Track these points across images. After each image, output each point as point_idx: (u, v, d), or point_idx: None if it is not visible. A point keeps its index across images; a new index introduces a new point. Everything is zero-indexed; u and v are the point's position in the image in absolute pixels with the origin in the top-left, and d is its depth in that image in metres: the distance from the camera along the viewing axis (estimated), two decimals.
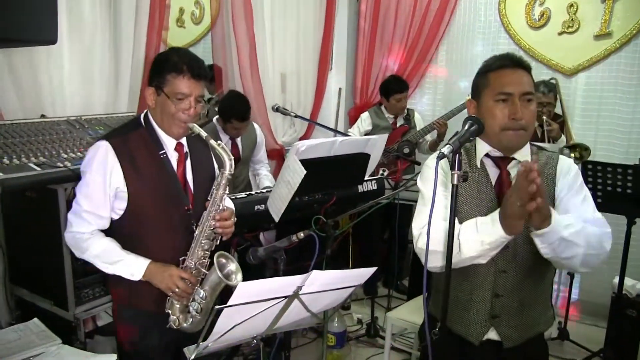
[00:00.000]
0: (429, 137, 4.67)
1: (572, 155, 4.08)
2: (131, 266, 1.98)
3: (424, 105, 5.29)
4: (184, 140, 2.13)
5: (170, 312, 2.03)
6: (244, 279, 3.84)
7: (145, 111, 2.11)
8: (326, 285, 1.69)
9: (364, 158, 3.13)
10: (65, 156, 2.45)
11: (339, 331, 3.53)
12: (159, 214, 2.03)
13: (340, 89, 5.34)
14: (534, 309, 1.89)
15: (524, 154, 1.84)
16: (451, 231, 1.53)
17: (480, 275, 1.84)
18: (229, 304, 1.49)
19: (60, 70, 3.02)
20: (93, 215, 1.99)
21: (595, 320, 4.22)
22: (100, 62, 3.21)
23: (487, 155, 1.85)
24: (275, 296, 1.59)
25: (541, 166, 1.83)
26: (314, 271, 1.58)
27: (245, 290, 1.50)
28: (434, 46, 5.11)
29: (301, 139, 4.98)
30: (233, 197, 2.93)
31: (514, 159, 1.83)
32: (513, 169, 1.83)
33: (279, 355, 2.25)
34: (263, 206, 3.00)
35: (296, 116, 3.57)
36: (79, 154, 2.49)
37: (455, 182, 1.50)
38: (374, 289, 4.47)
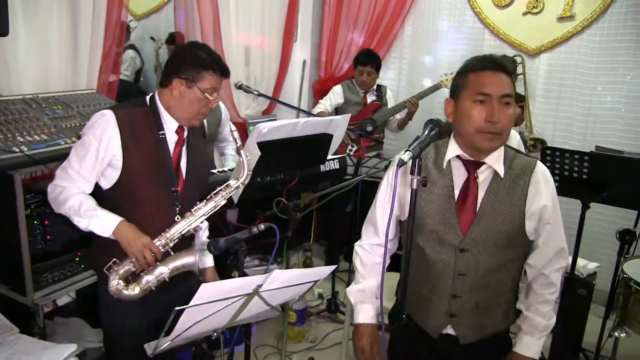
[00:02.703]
0: (399, 116, 4.66)
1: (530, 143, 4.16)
2: (104, 221, 2.04)
3: (389, 80, 5.28)
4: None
5: (111, 274, 2.07)
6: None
7: (151, 94, 2.21)
8: (287, 282, 1.71)
9: (326, 138, 3.13)
10: (22, 140, 2.37)
11: (300, 308, 3.59)
12: (147, 189, 2.12)
13: (304, 61, 5.29)
14: (494, 311, 1.92)
15: (496, 159, 1.81)
16: (410, 234, 1.55)
17: (439, 277, 1.87)
18: (190, 304, 1.51)
19: (14, 44, 2.86)
20: (79, 175, 2.05)
21: None
22: (57, 34, 3.06)
23: (458, 157, 1.83)
24: (235, 295, 1.60)
25: (516, 174, 1.81)
26: (275, 270, 1.60)
27: (207, 290, 1.52)
28: (399, 21, 5.09)
29: (264, 112, 4.97)
30: None
31: (484, 163, 1.81)
32: (482, 174, 1.82)
33: (240, 341, 2.27)
34: None
35: (260, 95, 3.53)
36: (36, 137, 2.42)
37: (414, 187, 1.52)
38: (335, 264, 4.53)
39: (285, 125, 2.87)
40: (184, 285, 2.17)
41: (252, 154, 2.71)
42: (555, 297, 1.91)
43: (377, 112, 4.61)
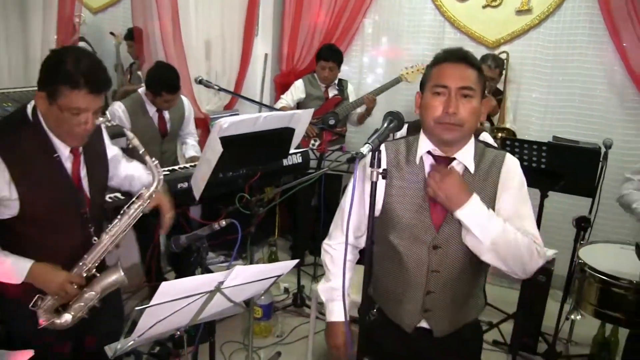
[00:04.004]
0: (359, 110, 4.68)
1: (500, 134, 4.23)
2: (14, 269, 1.88)
3: (350, 74, 5.29)
4: None
5: (38, 310, 1.96)
6: (174, 260, 3.86)
7: (32, 105, 1.92)
8: (249, 278, 1.71)
9: (288, 132, 3.13)
10: None
11: (266, 303, 3.59)
12: (53, 218, 1.95)
13: (266, 54, 5.27)
14: (466, 302, 1.92)
15: (466, 154, 1.78)
16: (371, 226, 1.56)
17: (413, 274, 1.84)
18: (150, 303, 1.49)
19: None
20: None
21: (511, 284, 4.43)
22: (4, 29, 2.97)
23: (429, 152, 1.80)
24: (197, 292, 1.60)
25: (486, 168, 1.80)
26: (237, 267, 1.60)
27: (167, 289, 1.50)
28: (360, 15, 5.10)
29: (226, 107, 4.94)
30: None
31: (455, 159, 1.78)
32: (453, 169, 1.78)
33: (205, 339, 2.26)
34: (186, 184, 2.97)
35: (220, 89, 3.51)
36: None
37: (374, 180, 1.52)
38: (301, 258, 4.54)
39: (246, 119, 2.86)
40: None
41: (214, 150, 2.69)
42: (526, 242, 1.70)
43: (338, 106, 4.62)
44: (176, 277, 3.31)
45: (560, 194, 3.52)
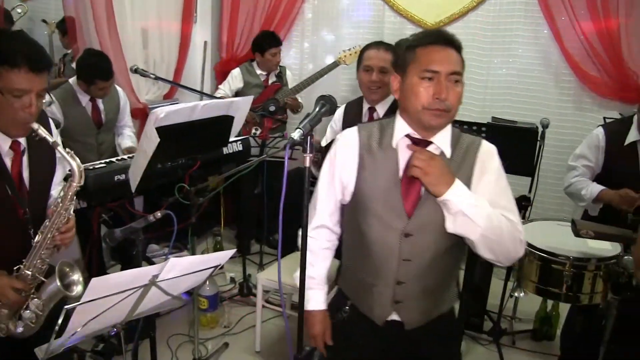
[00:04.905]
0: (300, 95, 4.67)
1: None
2: None
3: (291, 59, 5.27)
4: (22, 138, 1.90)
5: None
6: (116, 254, 3.75)
7: None
8: (185, 270, 1.67)
9: (227, 120, 3.07)
10: None
11: (211, 294, 3.53)
12: None
13: (205, 42, 5.17)
14: (438, 294, 1.88)
15: (443, 138, 1.75)
16: (305, 214, 1.53)
17: (383, 263, 1.80)
18: (81, 301, 1.43)
19: None
20: None
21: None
22: None
23: (406, 135, 1.76)
24: (130, 287, 1.54)
25: (462, 154, 1.76)
26: (171, 259, 1.55)
27: (98, 285, 1.44)
28: (299, 0, 5.06)
29: (166, 96, 4.83)
30: (92, 167, 2.79)
31: (432, 143, 1.74)
32: None
33: (145, 335, 2.20)
34: (124, 176, 2.88)
35: (156, 78, 3.42)
36: None
37: (307, 165, 1.48)
38: (246, 247, 4.50)
39: (183, 108, 2.78)
40: None
41: (151, 140, 2.62)
42: (509, 228, 1.69)
43: (278, 92, 4.60)
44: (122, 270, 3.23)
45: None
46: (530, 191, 3.63)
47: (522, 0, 4.37)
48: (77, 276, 1.87)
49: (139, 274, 1.55)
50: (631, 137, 2.86)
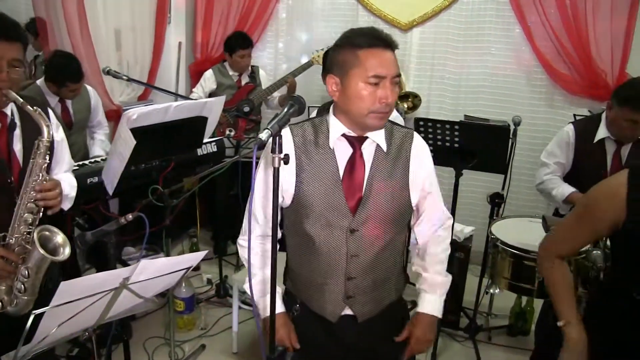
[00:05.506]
0: (277, 94, 4.66)
1: (405, 105, 4.30)
2: None
3: (266, 59, 5.27)
4: (8, 109, 1.91)
5: None
6: (92, 257, 3.71)
7: None
8: (157, 272, 1.66)
9: (201, 121, 3.07)
10: None
11: (187, 296, 3.51)
12: None
13: (180, 43, 5.14)
14: (388, 284, 1.92)
15: (378, 133, 1.79)
16: (275, 213, 1.52)
17: (332, 261, 1.82)
18: (50, 306, 1.42)
19: None
20: None
21: None
22: None
23: (343, 134, 1.78)
24: (101, 290, 1.53)
25: (397, 146, 1.82)
26: (142, 261, 1.54)
27: (68, 288, 1.42)
28: (273, 0, 5.05)
29: (140, 98, 4.78)
30: None
31: (367, 138, 1.78)
32: (366, 149, 1.79)
33: (119, 339, 2.19)
34: (97, 178, 2.86)
35: (129, 79, 3.40)
36: None
37: (276, 165, 1.47)
38: (223, 248, 4.48)
39: (156, 110, 2.78)
40: None
41: (126, 142, 2.60)
42: (447, 254, 2.01)
43: (252, 93, 4.60)
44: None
45: (475, 172, 3.61)
46: (503, 188, 3.68)
47: (494, 0, 4.42)
48: (60, 238, 1.86)
49: (110, 277, 1.54)
50: (600, 134, 2.91)
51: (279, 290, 1.92)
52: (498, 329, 3.75)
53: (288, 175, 1.79)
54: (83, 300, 1.50)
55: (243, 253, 1.94)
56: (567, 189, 2.98)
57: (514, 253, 2.77)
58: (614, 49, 4.03)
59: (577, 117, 3.72)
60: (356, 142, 1.78)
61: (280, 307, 1.90)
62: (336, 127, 1.78)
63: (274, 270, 1.59)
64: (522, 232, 2.93)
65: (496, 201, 3.52)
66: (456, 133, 3.29)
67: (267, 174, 1.85)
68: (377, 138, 1.79)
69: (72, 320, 1.55)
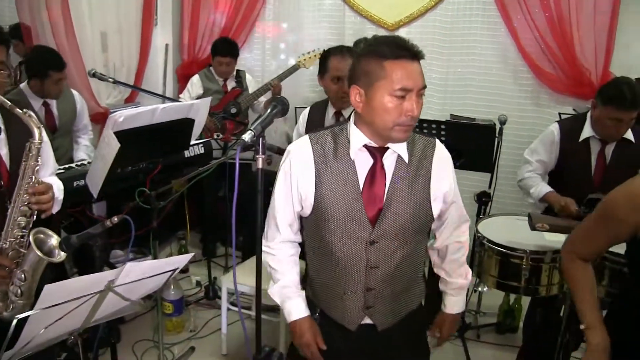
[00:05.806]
0: (263, 98, 4.65)
1: None
2: None
3: (253, 62, 5.27)
4: None
5: None
6: (79, 260, 3.70)
7: None
8: (143, 274, 1.66)
9: (188, 123, 3.07)
10: None
11: (176, 298, 3.50)
12: None
13: (167, 45, 5.13)
14: (407, 294, 1.91)
15: (399, 144, 1.74)
16: (261, 218, 1.53)
17: (352, 272, 1.81)
18: (34, 310, 1.41)
19: None
20: None
21: None
22: None
23: (364, 145, 1.74)
24: (86, 294, 1.53)
25: (418, 157, 1.78)
26: (128, 264, 1.54)
27: (52, 292, 1.42)
28: (260, 1, 5.05)
29: (127, 100, 4.76)
30: None
31: (388, 148, 1.74)
32: (387, 159, 1.76)
33: (107, 342, 2.18)
34: (83, 181, 2.85)
35: (115, 82, 3.39)
36: None
37: (260, 167, 1.48)
38: (211, 250, 4.48)
39: (143, 112, 2.78)
40: None
41: (110, 146, 2.60)
42: (466, 254, 2.05)
43: (239, 98, 4.60)
44: None
45: (462, 170, 3.61)
46: (490, 187, 3.69)
47: (479, 0, 4.44)
48: (54, 241, 1.86)
49: (95, 280, 1.53)
50: (585, 133, 2.93)
51: (303, 294, 1.94)
52: (487, 326, 3.77)
53: (307, 185, 1.78)
54: (68, 304, 1.49)
55: (266, 259, 1.93)
56: (544, 188, 3.00)
57: (500, 251, 2.79)
58: (598, 48, 4.06)
59: (563, 116, 3.75)
60: (377, 153, 1.75)
61: (305, 311, 1.91)
62: (358, 138, 1.74)
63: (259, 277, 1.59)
64: (508, 230, 2.94)
65: (483, 200, 3.54)
66: (442, 132, 3.31)
67: (286, 183, 1.83)
68: (398, 148, 1.75)
69: (58, 323, 1.54)
